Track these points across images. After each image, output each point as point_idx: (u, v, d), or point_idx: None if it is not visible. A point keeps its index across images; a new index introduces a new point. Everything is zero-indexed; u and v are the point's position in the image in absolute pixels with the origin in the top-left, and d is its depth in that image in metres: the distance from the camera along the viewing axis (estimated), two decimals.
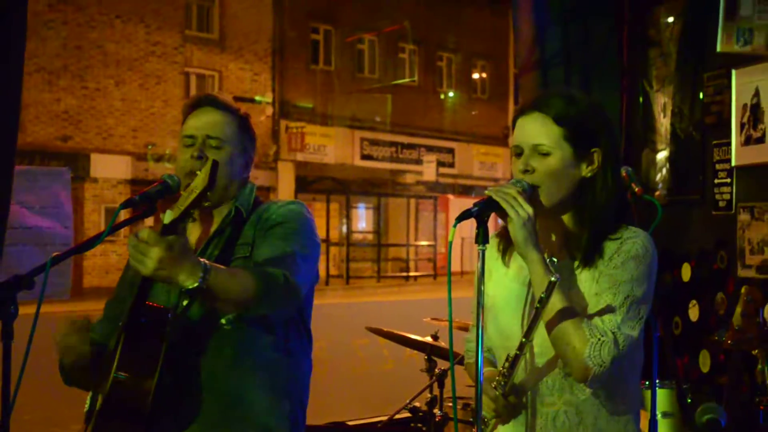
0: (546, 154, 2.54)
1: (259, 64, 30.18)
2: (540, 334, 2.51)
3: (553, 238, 2.63)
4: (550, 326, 2.46)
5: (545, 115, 2.57)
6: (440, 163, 34.53)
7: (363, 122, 32.46)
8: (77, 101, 25.54)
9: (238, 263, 2.95)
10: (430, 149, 34.74)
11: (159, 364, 2.72)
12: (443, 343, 5.18)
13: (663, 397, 4.57)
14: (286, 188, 30.55)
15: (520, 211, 2.45)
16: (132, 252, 2.54)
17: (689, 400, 4.65)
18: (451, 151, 35.45)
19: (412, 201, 36.34)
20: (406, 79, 33.45)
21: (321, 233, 35.49)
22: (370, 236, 36.00)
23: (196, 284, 2.58)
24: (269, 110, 30.26)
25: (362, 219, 36.42)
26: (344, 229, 34.24)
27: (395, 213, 36.10)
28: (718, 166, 5.35)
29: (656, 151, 5.83)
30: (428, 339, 5.28)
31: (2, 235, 3.66)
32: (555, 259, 2.56)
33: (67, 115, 25.35)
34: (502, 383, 2.53)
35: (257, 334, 2.97)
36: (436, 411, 5.06)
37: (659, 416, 4.45)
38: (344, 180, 32.91)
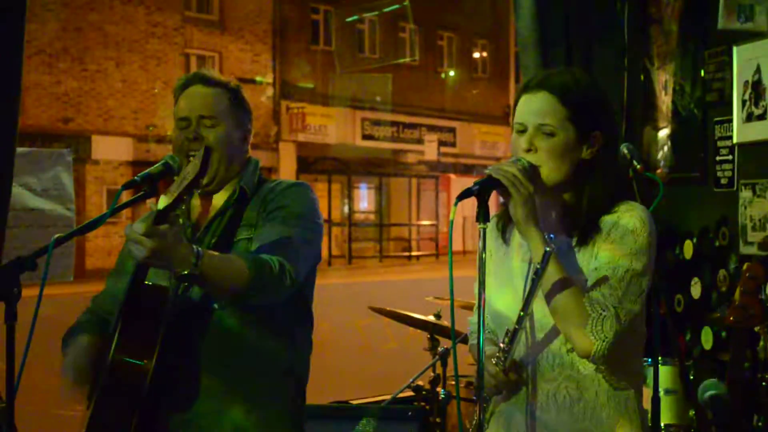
0: (550, 134, 2.54)
1: (260, 45, 30.12)
2: (540, 309, 2.52)
3: (553, 215, 2.63)
4: (549, 299, 2.46)
5: (552, 94, 2.56)
6: (441, 143, 34.50)
7: (364, 102, 32.40)
8: (78, 83, 25.51)
9: (240, 245, 2.96)
10: (431, 129, 34.69)
11: (157, 346, 2.73)
12: (446, 322, 5.19)
13: (666, 374, 4.57)
14: (287, 169, 30.52)
15: (521, 188, 2.44)
16: (128, 239, 2.56)
17: (692, 377, 4.66)
18: (452, 130, 35.42)
19: (414, 181, 36.33)
20: (407, 59, 33.35)
21: (323, 214, 35.83)
22: (372, 216, 36.00)
23: (187, 270, 2.59)
24: (270, 91, 30.22)
25: (364, 199, 36.42)
26: (346, 209, 34.24)
27: (397, 193, 36.10)
28: (719, 144, 5.32)
29: (658, 129, 5.81)
30: (431, 318, 5.28)
31: (4, 218, 3.66)
32: (553, 236, 2.56)
33: (67, 98, 25.32)
34: (502, 359, 2.52)
35: (256, 316, 2.97)
36: (439, 389, 5.07)
37: (662, 393, 4.46)
38: (346, 160, 32.87)
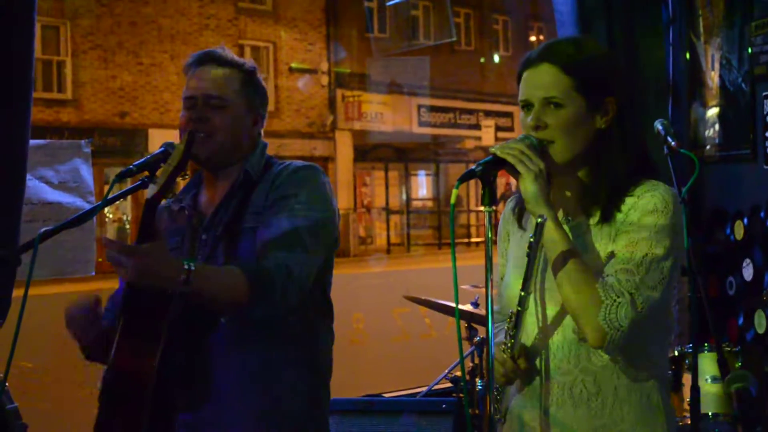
0: (558, 106, 2.37)
1: (314, 34, 30.05)
2: (553, 297, 2.36)
3: (568, 194, 2.46)
4: (555, 272, 2.29)
5: (553, 65, 2.39)
6: (499, 128, 34.22)
7: (419, 89, 32.20)
8: (133, 77, 25.64)
9: (247, 234, 2.82)
10: (488, 114, 34.44)
11: (160, 345, 2.60)
12: (482, 311, 5.02)
13: (712, 361, 4.38)
14: (344, 157, 30.51)
15: (531, 165, 2.28)
16: (110, 258, 2.44)
17: (738, 364, 4.46)
18: (509, 114, 35.07)
19: (472, 166, 36.08)
20: (462, 44, 33.11)
21: (380, 201, 35.04)
22: (429, 203, 35.84)
23: (177, 288, 2.48)
24: (325, 80, 30.18)
25: (422, 186, 36.27)
26: (404, 196, 34.13)
27: (455, 179, 35.62)
28: None
29: (706, 106, 5.62)
30: (468, 307, 5.12)
31: (19, 211, 3.56)
32: (570, 218, 2.39)
33: (123, 92, 25.47)
34: (509, 345, 2.37)
35: None
36: (477, 380, 4.90)
37: (709, 381, 4.27)
38: (402, 147, 32.76)
